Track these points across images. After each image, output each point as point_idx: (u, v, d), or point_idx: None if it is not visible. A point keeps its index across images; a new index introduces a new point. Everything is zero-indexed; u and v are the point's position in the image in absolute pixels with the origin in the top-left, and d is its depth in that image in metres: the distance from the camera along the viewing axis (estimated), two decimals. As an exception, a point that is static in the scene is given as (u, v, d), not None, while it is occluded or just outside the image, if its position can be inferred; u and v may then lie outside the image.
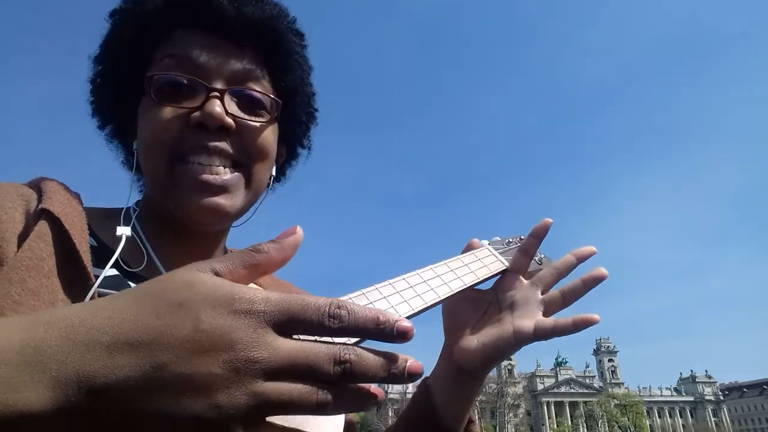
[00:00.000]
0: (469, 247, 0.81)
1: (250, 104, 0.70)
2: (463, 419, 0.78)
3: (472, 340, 0.74)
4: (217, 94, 0.66)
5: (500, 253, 0.83)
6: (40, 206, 0.56)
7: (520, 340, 0.72)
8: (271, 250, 0.41)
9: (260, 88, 0.71)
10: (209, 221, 0.68)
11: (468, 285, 0.71)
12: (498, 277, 0.80)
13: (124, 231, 0.65)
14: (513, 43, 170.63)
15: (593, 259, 0.78)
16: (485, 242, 0.86)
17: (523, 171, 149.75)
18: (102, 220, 0.68)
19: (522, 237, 0.88)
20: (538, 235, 0.80)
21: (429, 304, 0.62)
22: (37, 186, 0.61)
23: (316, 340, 0.36)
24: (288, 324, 0.36)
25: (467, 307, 0.78)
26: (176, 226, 0.71)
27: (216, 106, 0.65)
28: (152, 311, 0.35)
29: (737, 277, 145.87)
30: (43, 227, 0.54)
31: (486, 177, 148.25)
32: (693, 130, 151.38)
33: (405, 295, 0.60)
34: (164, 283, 0.37)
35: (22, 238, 0.53)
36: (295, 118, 0.79)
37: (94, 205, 0.70)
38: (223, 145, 0.66)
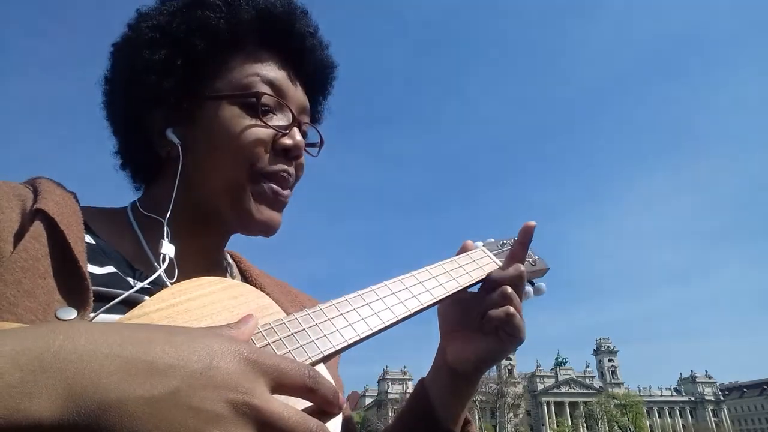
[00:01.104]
0: (463, 249, 0.84)
1: (304, 136, 0.77)
2: (459, 419, 0.80)
3: (466, 344, 0.76)
4: (298, 124, 0.73)
5: (495, 255, 0.84)
6: (35, 206, 0.56)
7: (511, 345, 0.75)
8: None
9: (308, 122, 0.78)
10: (266, 233, 0.73)
11: (463, 286, 0.74)
12: None
13: (168, 251, 0.66)
14: (513, 44, 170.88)
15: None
16: (479, 243, 0.87)
17: (523, 172, 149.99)
18: (100, 219, 0.68)
19: (515, 239, 0.90)
20: (524, 240, 0.80)
21: (425, 306, 0.67)
22: (33, 185, 0.61)
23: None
24: (279, 388, 0.40)
25: (460, 312, 0.80)
26: (204, 230, 0.73)
27: (299, 136, 0.72)
28: (168, 339, 0.37)
29: (737, 277, 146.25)
30: (38, 227, 0.54)
31: (485, 178, 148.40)
32: (693, 130, 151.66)
33: (401, 297, 0.66)
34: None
35: (18, 238, 0.53)
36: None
37: (91, 205, 0.70)
38: (293, 171, 0.74)
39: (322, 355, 0.54)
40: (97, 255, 0.62)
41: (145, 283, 0.61)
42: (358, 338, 0.59)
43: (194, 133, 0.70)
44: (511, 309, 0.73)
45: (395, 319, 0.64)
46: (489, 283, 0.78)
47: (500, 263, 0.83)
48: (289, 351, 0.53)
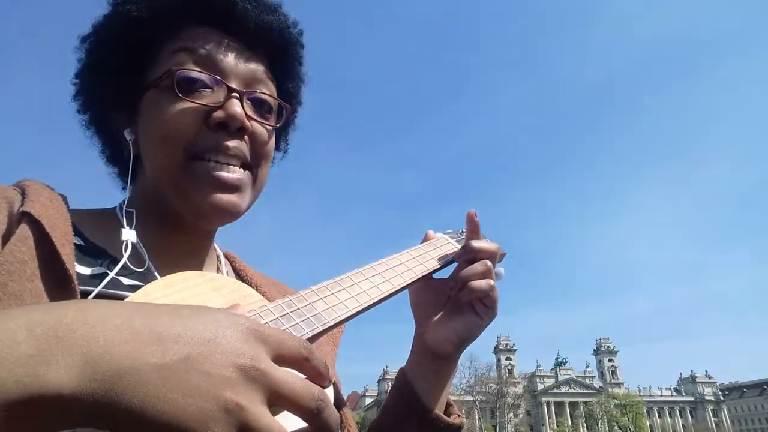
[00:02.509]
0: (426, 238, 0.89)
1: (260, 107, 0.73)
2: (443, 401, 0.83)
3: (444, 325, 0.81)
4: (237, 95, 0.68)
5: (456, 241, 0.91)
6: (21, 209, 0.56)
7: (488, 318, 0.81)
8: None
9: (267, 91, 0.74)
10: (221, 219, 0.70)
11: (430, 270, 0.80)
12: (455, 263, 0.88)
13: (129, 237, 0.66)
14: (512, 45, 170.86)
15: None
16: (440, 233, 0.93)
17: (523, 172, 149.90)
18: (89, 220, 0.68)
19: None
20: (473, 228, 0.84)
21: (397, 288, 0.73)
22: (21, 188, 0.61)
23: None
24: (279, 357, 0.41)
25: (433, 298, 0.84)
26: (174, 222, 0.72)
27: (237, 107, 0.67)
28: (174, 311, 0.39)
29: (737, 277, 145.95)
30: (24, 230, 0.54)
31: (484, 178, 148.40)
32: (693, 130, 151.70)
33: (375, 281, 0.71)
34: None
35: (5, 241, 0.53)
36: (286, 122, 0.83)
37: (84, 206, 0.70)
38: (241, 145, 0.69)
39: (308, 336, 0.57)
40: (85, 256, 0.62)
41: (113, 273, 0.61)
42: (339, 319, 0.62)
43: (139, 128, 0.71)
44: (492, 281, 0.78)
45: (372, 301, 0.68)
46: (469, 254, 0.81)
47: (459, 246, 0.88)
48: None
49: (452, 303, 0.81)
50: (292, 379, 0.40)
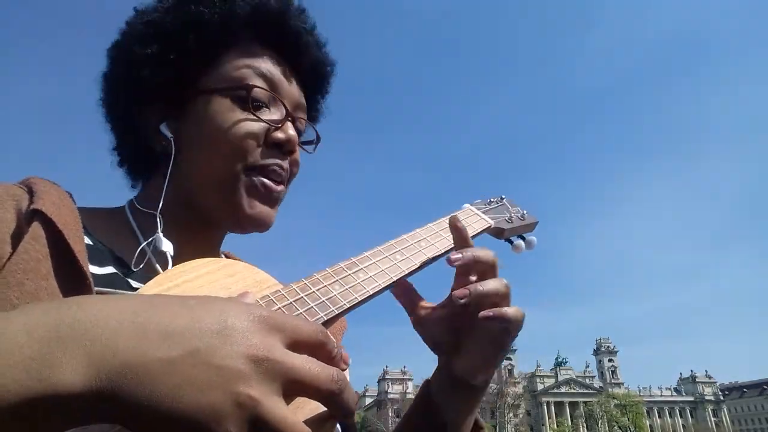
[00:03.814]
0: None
1: (300, 132, 0.77)
2: (469, 425, 0.77)
3: (472, 355, 0.70)
4: (291, 119, 0.72)
5: (483, 213, 0.86)
6: (31, 207, 0.55)
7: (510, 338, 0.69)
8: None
9: (306, 118, 0.78)
10: (258, 228, 0.73)
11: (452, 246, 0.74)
12: (483, 233, 0.81)
13: (168, 249, 0.66)
14: (512, 45, 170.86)
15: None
16: (467, 204, 0.87)
17: (523, 172, 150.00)
18: (97, 219, 0.67)
19: (503, 197, 0.93)
20: (461, 237, 0.71)
21: (418, 265, 0.69)
22: (27, 186, 0.60)
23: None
24: (294, 344, 0.39)
25: (445, 327, 0.72)
26: (200, 225, 0.73)
27: (292, 131, 0.71)
28: (181, 303, 0.38)
29: (737, 278, 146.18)
30: (37, 228, 0.53)
31: (484, 178, 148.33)
32: (693, 130, 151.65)
33: (395, 258, 0.68)
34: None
35: (16, 239, 0.52)
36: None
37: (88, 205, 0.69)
38: (287, 166, 0.73)
39: (323, 320, 0.55)
40: (96, 255, 0.61)
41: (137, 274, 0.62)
42: (356, 300, 0.60)
43: (187, 127, 0.70)
44: (509, 309, 0.66)
45: (391, 280, 0.65)
46: (467, 262, 0.68)
47: (489, 220, 0.84)
48: None
49: (470, 323, 0.68)
50: (309, 364, 0.38)
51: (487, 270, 0.68)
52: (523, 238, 0.91)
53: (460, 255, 0.67)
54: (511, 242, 0.92)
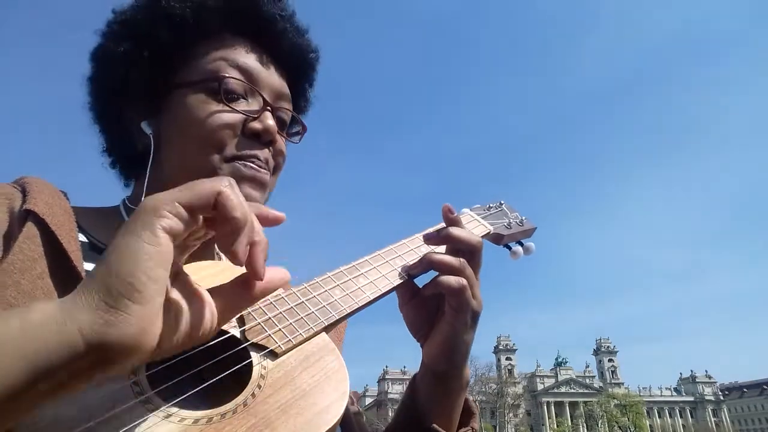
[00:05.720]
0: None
1: (283, 122, 0.76)
2: (452, 417, 0.75)
3: (432, 341, 0.72)
4: (270, 109, 0.71)
5: (482, 218, 0.85)
6: (24, 207, 0.55)
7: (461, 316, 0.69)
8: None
9: (289, 108, 0.77)
10: None
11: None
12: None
13: None
14: (513, 46, 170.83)
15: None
16: (466, 210, 0.87)
17: (523, 172, 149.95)
18: (91, 218, 0.68)
19: (502, 202, 0.92)
20: (451, 222, 0.72)
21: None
22: (21, 185, 0.60)
23: None
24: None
25: (421, 313, 0.74)
26: None
27: (271, 121, 0.70)
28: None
29: (736, 278, 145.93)
30: (31, 228, 0.53)
31: (484, 178, 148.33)
32: (692, 131, 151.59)
33: (395, 263, 0.68)
34: None
35: (7, 239, 0.53)
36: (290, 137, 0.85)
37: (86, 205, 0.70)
38: (268, 156, 0.72)
39: (323, 325, 0.55)
40: (91, 253, 0.61)
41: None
42: (356, 306, 0.60)
43: (166, 124, 0.70)
44: (464, 281, 0.67)
45: (392, 285, 0.65)
46: (443, 242, 0.72)
47: (489, 226, 0.84)
48: (291, 323, 0.54)
49: (437, 318, 0.71)
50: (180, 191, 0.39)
51: (473, 252, 0.70)
52: (522, 244, 0.91)
53: (435, 232, 0.70)
54: (509, 248, 0.92)
